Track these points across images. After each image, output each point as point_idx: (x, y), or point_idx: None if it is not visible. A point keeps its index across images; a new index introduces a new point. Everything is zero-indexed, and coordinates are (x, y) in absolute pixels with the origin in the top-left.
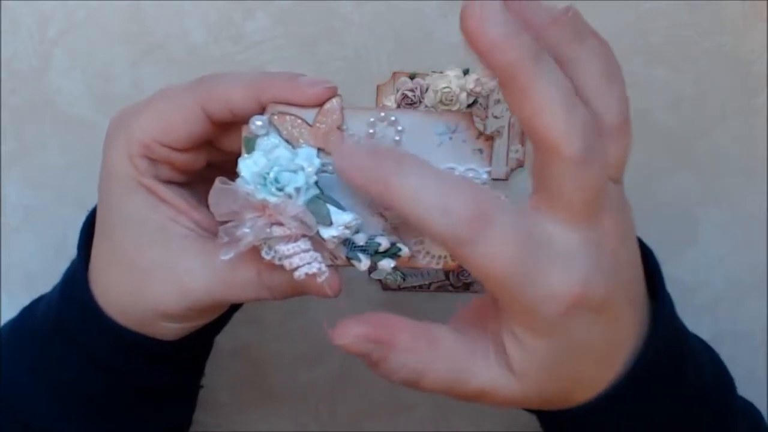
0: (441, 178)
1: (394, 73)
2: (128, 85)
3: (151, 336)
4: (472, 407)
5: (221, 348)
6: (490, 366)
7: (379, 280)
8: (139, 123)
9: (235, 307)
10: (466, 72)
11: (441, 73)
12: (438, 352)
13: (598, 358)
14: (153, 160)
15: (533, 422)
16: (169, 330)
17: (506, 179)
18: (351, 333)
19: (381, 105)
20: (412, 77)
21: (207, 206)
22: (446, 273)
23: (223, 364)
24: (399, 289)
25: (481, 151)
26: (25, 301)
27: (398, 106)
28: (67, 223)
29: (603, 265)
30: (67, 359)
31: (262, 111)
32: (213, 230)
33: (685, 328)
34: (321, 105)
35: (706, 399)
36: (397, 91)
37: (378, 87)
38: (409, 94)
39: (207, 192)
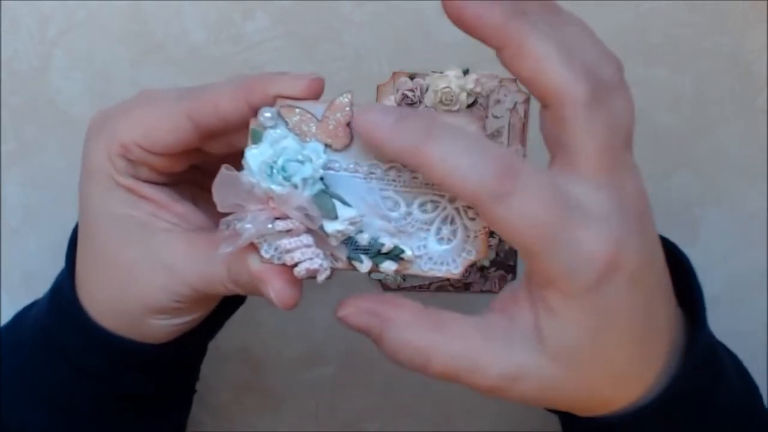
0: (471, 138)
1: (394, 73)
2: (128, 85)
3: (141, 340)
4: (471, 408)
5: (221, 348)
6: (514, 351)
7: (379, 280)
8: (123, 125)
9: (227, 313)
10: (466, 72)
11: (441, 73)
12: (445, 333)
13: (636, 344)
14: (131, 161)
15: (534, 422)
16: (159, 329)
17: None
18: (352, 304)
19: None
20: (412, 77)
21: (190, 202)
22: None
23: (222, 365)
24: (399, 289)
25: None
26: (25, 301)
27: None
28: (67, 223)
29: (633, 228)
30: (55, 369)
31: (253, 113)
32: (198, 223)
33: (716, 339)
34: (317, 97)
35: (738, 415)
36: (397, 91)
37: (378, 87)
38: (409, 94)
39: (190, 192)
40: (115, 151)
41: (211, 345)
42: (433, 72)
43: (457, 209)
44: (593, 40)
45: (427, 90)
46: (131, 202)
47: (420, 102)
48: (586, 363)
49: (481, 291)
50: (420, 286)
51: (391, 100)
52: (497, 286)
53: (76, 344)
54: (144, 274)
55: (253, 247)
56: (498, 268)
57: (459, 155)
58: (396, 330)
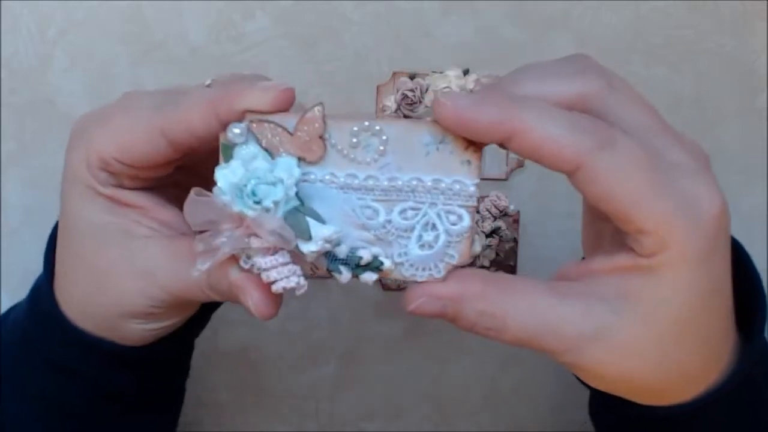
0: (552, 104)
1: (394, 73)
2: (128, 85)
3: (120, 342)
4: (472, 407)
5: (221, 349)
6: (594, 309)
7: (379, 280)
8: (100, 138)
9: (211, 309)
10: (466, 72)
11: (441, 73)
12: (516, 296)
13: (728, 322)
14: (112, 172)
15: (534, 422)
16: (136, 333)
17: (506, 179)
18: (420, 294)
19: (380, 107)
20: (412, 77)
21: (174, 205)
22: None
23: (222, 365)
24: (399, 289)
25: (469, 162)
26: None
27: (398, 107)
28: None
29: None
30: (38, 370)
31: (223, 128)
32: (182, 228)
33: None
34: (288, 108)
35: None
36: (397, 91)
37: (378, 87)
38: (409, 94)
39: (174, 194)
40: (95, 164)
41: (211, 345)
42: (433, 72)
43: (438, 214)
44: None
45: (427, 90)
46: (113, 210)
47: (420, 102)
48: (684, 332)
49: None
50: None
51: (390, 100)
52: None
53: (55, 345)
54: (121, 278)
55: (232, 257)
56: (498, 268)
57: (554, 117)
58: (470, 304)
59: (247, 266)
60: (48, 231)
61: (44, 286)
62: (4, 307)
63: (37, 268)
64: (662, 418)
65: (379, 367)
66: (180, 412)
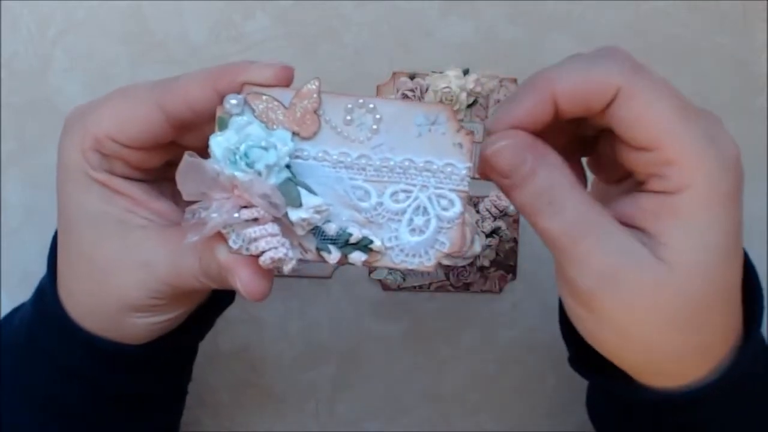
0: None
1: (394, 73)
2: None
3: (123, 341)
4: (472, 407)
5: (221, 348)
6: (633, 244)
7: (379, 280)
8: (96, 118)
9: (217, 311)
10: (466, 72)
11: (441, 73)
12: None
13: (736, 289)
14: (106, 155)
15: (534, 422)
16: (139, 328)
17: None
18: (506, 135)
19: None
20: (412, 77)
21: (168, 199)
22: (446, 273)
23: (222, 365)
24: (399, 289)
25: (461, 145)
26: (25, 300)
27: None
28: None
29: None
30: (41, 371)
31: (220, 101)
32: (175, 219)
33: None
34: (287, 85)
35: None
36: (397, 91)
37: (378, 87)
38: (409, 94)
39: (169, 188)
40: (89, 146)
41: (211, 345)
42: (433, 72)
43: (429, 198)
44: None
45: (427, 90)
46: (106, 198)
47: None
48: (714, 282)
49: (481, 291)
50: (420, 286)
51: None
52: (497, 286)
53: (59, 346)
54: (121, 271)
55: (221, 237)
56: (498, 268)
57: (579, 59)
58: (542, 171)
59: (236, 246)
60: (48, 231)
61: (48, 287)
62: (4, 307)
63: (37, 268)
64: (661, 403)
65: (379, 367)
66: (182, 414)
